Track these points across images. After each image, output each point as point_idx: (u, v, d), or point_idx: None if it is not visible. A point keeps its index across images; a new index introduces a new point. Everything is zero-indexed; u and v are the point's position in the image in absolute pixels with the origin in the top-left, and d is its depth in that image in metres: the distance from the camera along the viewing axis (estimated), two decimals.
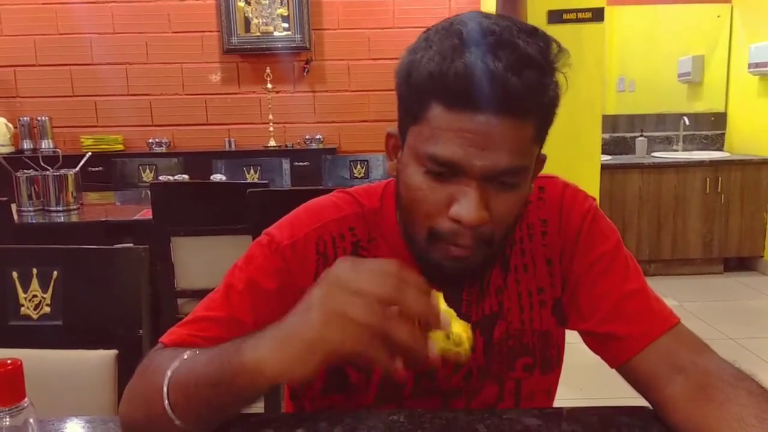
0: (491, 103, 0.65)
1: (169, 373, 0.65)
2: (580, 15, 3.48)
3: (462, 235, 0.70)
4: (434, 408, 0.78)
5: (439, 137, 0.67)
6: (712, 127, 4.80)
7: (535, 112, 0.68)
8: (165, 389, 0.65)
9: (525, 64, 0.65)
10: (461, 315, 0.81)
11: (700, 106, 4.80)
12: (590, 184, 3.57)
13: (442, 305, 0.57)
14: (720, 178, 4.22)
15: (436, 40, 0.68)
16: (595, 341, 0.82)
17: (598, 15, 3.51)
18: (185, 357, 0.67)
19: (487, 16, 0.70)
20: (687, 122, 4.67)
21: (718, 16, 4.69)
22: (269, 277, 0.79)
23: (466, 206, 0.68)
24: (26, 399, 0.53)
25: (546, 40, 0.68)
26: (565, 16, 3.48)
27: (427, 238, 0.73)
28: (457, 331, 0.56)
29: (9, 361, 0.52)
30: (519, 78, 0.64)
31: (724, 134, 4.79)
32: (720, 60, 4.71)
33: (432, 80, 0.67)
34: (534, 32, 0.68)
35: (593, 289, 0.81)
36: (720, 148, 4.78)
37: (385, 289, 0.54)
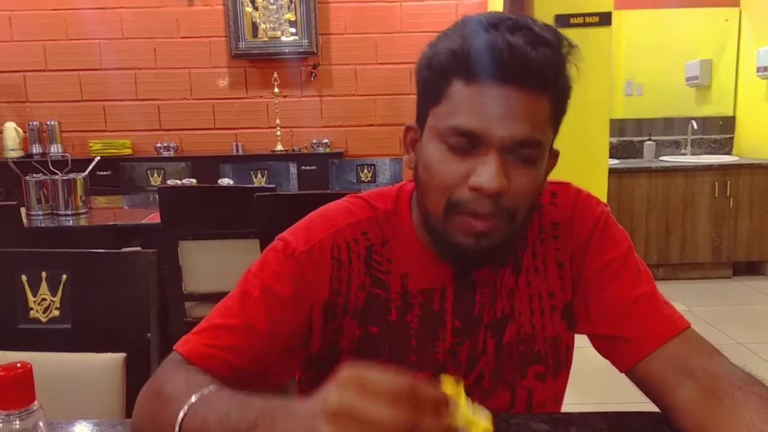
0: (510, 74, 0.68)
1: (180, 415, 0.63)
2: (587, 19, 3.48)
3: (482, 204, 0.71)
4: None
5: (460, 110, 0.70)
6: (720, 131, 4.78)
7: (551, 88, 0.71)
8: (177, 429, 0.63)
9: (541, 42, 0.69)
10: (472, 318, 0.82)
11: (708, 110, 4.78)
12: (598, 189, 3.56)
13: (462, 403, 0.51)
14: (729, 182, 4.20)
15: (456, 28, 0.73)
16: (604, 345, 0.82)
17: (605, 19, 3.50)
18: (197, 399, 0.64)
19: (512, 14, 0.73)
20: (695, 126, 4.65)
21: (726, 20, 4.67)
22: (284, 284, 0.79)
23: (486, 174, 0.69)
24: (36, 402, 0.53)
25: (559, 34, 0.72)
26: (572, 21, 3.48)
27: (444, 210, 0.73)
28: None
29: (19, 365, 0.52)
30: (536, 52, 0.68)
31: (732, 138, 4.77)
32: (728, 64, 4.69)
33: (453, 57, 0.70)
34: (548, 26, 0.72)
35: (603, 293, 0.81)
36: (728, 152, 4.75)
37: (401, 419, 0.47)
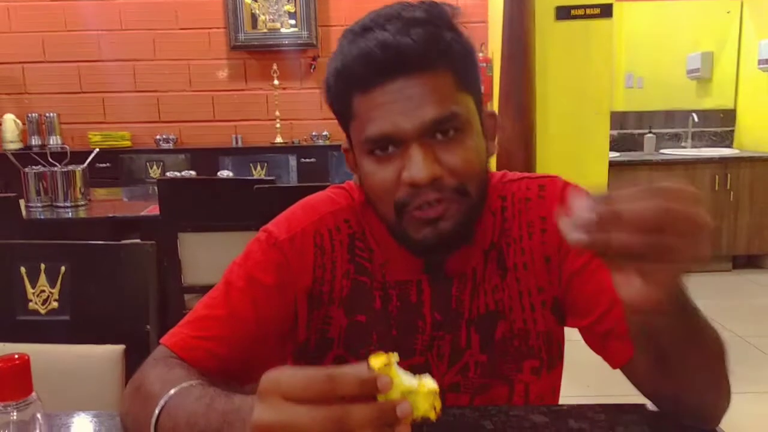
0: (393, 68, 0.70)
1: (155, 414, 0.64)
2: (588, 11, 3.46)
3: (426, 194, 0.72)
4: None
5: (368, 120, 0.72)
6: (721, 123, 4.77)
7: (442, 61, 0.71)
8: (152, 431, 0.64)
9: (411, 25, 0.70)
10: (450, 311, 0.81)
11: (709, 103, 4.77)
12: (598, 181, 3.56)
13: (394, 375, 0.49)
14: (729, 176, 4.19)
15: (338, 47, 0.75)
16: (596, 340, 0.80)
17: (606, 11, 3.49)
18: (169, 398, 0.64)
19: (386, 6, 0.74)
20: (696, 119, 4.64)
21: (728, 12, 4.65)
22: (268, 272, 0.79)
23: (414, 167, 0.70)
24: (33, 394, 0.53)
25: (436, 6, 0.74)
26: (573, 12, 3.46)
27: (395, 214, 0.74)
28: (422, 413, 0.49)
29: (16, 356, 0.52)
30: (408, 36, 0.69)
31: (733, 131, 4.76)
32: (729, 56, 4.68)
33: (340, 76, 0.73)
34: (422, 3, 0.73)
35: (589, 285, 0.79)
36: (729, 145, 4.74)
37: (325, 417, 0.46)
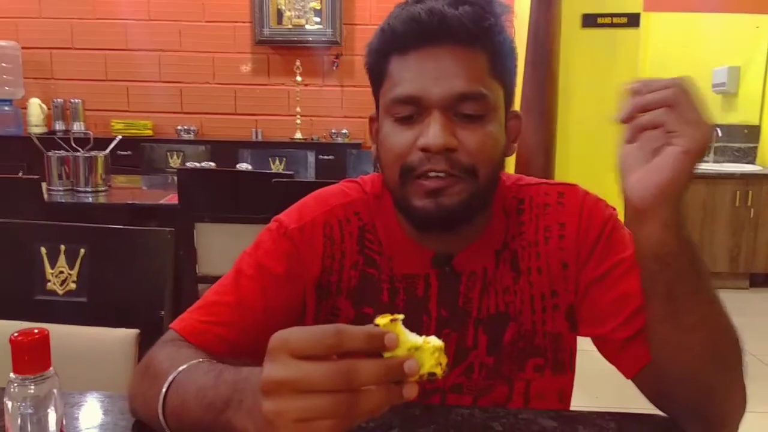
0: (433, 34, 0.72)
1: (163, 391, 0.65)
2: (615, 20, 3.44)
3: (436, 162, 0.73)
4: (434, 405, 0.78)
5: (399, 81, 0.74)
6: (745, 139, 4.71)
7: (480, 40, 0.73)
8: (160, 407, 0.64)
9: (462, 2, 0.72)
10: (457, 309, 0.81)
11: (733, 118, 4.70)
12: (617, 193, 3.53)
13: (400, 333, 0.50)
14: (750, 192, 4.14)
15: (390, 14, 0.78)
16: (612, 349, 0.79)
17: (633, 21, 3.46)
18: (177, 374, 0.65)
19: None
20: (719, 134, 4.58)
21: (757, 27, 4.59)
22: (278, 261, 0.80)
23: (431, 133, 0.72)
24: (51, 368, 0.53)
25: None
26: (599, 21, 3.44)
27: (400, 177, 0.75)
28: (428, 369, 0.50)
29: (36, 330, 0.52)
30: (456, 9, 0.72)
31: (756, 147, 4.70)
32: (756, 72, 4.61)
33: (383, 36, 0.76)
34: None
35: (608, 294, 0.78)
36: (752, 162, 4.68)
37: (335, 372, 0.46)
